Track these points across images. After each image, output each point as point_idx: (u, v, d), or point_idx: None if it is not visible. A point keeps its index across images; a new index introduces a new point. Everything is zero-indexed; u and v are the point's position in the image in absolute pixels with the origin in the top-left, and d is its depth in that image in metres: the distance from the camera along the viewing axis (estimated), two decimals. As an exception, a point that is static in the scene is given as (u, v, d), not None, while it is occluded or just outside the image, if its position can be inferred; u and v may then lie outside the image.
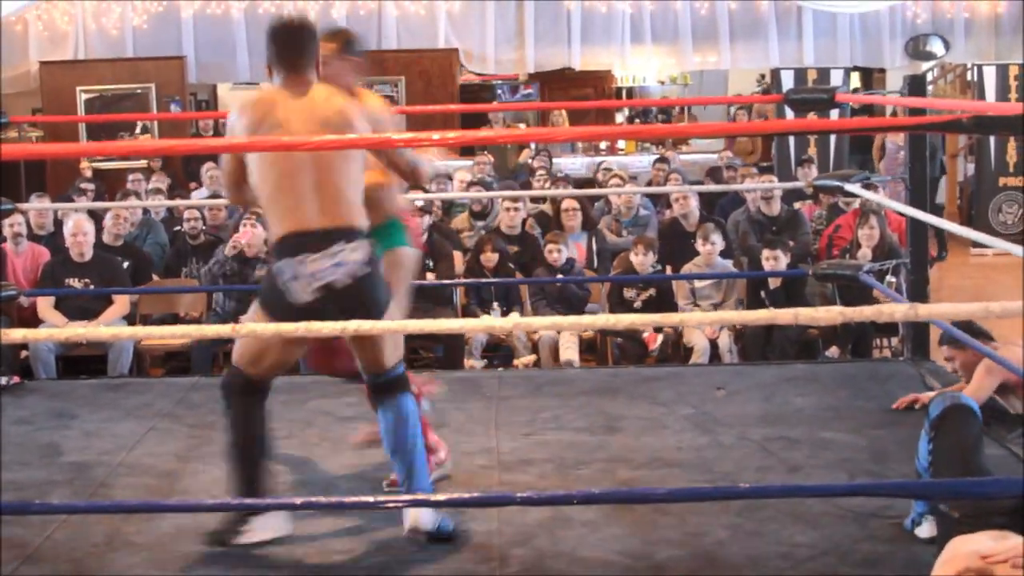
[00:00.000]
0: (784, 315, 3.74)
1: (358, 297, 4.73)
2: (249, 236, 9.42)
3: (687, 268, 10.05)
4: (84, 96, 16.71)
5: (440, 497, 5.11)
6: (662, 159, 14.17)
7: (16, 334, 4.23)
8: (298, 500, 5.19)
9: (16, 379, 7.59)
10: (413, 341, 9.58)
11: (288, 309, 4.66)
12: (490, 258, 9.92)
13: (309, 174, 4.70)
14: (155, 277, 10.39)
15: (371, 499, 5.09)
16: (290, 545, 4.89)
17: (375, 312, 4.74)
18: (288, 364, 5.12)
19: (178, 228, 11.19)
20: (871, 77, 19.57)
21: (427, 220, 9.87)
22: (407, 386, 4.97)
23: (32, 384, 7.79)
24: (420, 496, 4.83)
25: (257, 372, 4.92)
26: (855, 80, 18.97)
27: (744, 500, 5.16)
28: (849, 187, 7.60)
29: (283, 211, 4.74)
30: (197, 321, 9.68)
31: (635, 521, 5.05)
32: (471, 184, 12.22)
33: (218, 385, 5.05)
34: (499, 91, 19.72)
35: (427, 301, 9.41)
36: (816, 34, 17.36)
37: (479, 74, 18.31)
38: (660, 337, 9.58)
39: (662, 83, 19.56)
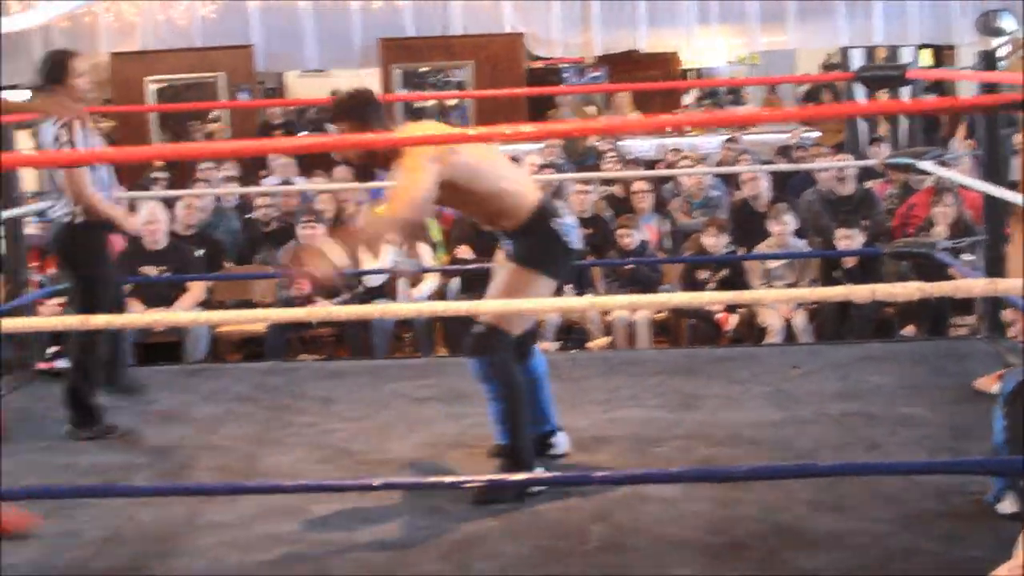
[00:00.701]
0: (861, 291, 3.72)
1: None
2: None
3: (759, 249, 10.00)
4: (153, 86, 16.81)
5: (519, 477, 5.11)
6: (731, 139, 14.08)
7: (98, 320, 4.26)
8: (375, 481, 5.19)
9: None
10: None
11: (568, 257, 5.31)
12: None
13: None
14: (228, 264, 10.45)
15: (450, 479, 5.12)
16: (367, 524, 4.91)
17: None
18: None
19: (250, 216, 11.25)
20: (941, 54, 19.37)
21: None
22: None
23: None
24: (499, 476, 4.88)
25: (514, 329, 5.21)
26: (925, 57, 18.78)
27: (823, 477, 5.14)
28: (922, 164, 7.53)
29: (520, 188, 5.24)
30: (270, 307, 9.73)
31: (713, 497, 5.03)
32: (541, 167, 12.20)
33: (293, 369, 5.07)
34: (566, 75, 19.67)
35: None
36: (885, 11, 17.17)
37: (545, 58, 18.27)
38: (734, 318, 9.54)
39: (729, 64, 19.43)
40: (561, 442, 5.66)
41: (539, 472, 5.27)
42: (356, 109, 5.22)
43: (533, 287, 5.17)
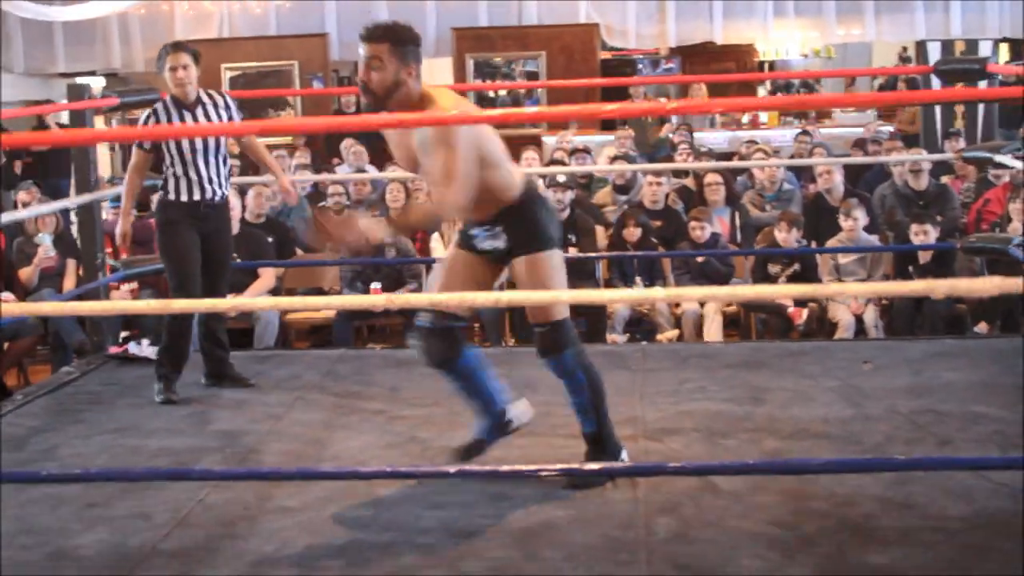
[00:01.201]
0: (939, 286, 3.68)
1: None
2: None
3: (831, 243, 9.93)
4: (229, 74, 16.93)
5: (594, 466, 5.11)
6: (805, 132, 14.00)
7: (176, 305, 4.29)
8: (447, 468, 5.19)
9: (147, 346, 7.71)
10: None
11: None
12: (633, 232, 9.89)
13: None
14: (299, 252, 10.50)
15: (519, 467, 5.11)
16: (435, 510, 4.92)
17: None
18: None
19: (322, 203, 11.30)
20: (1020, 47, 19.16)
21: (569, 195, 9.86)
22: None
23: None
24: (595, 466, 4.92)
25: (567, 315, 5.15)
26: (1004, 51, 18.58)
27: (894, 472, 5.09)
28: (999, 158, 7.45)
29: (511, 169, 5.04)
30: (339, 295, 9.77)
31: (782, 491, 5.00)
32: (614, 159, 12.19)
33: (361, 357, 5.08)
34: (640, 66, 19.64)
35: (569, 275, 9.38)
36: (963, 5, 17.01)
37: (620, 49, 18.25)
38: (805, 312, 9.48)
39: (805, 56, 19.32)
40: (518, 414, 5.45)
41: (624, 458, 5.24)
42: (403, 38, 4.90)
43: (558, 267, 5.09)
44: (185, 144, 6.77)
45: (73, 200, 8.13)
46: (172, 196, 6.85)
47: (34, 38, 17.67)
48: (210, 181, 6.85)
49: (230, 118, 6.99)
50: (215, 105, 6.95)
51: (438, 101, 4.87)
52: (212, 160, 6.85)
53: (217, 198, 6.91)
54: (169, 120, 6.82)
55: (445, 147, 4.71)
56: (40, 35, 17.58)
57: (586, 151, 12.53)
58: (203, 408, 6.64)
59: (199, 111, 6.88)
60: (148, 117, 6.90)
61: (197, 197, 6.84)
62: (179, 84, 6.81)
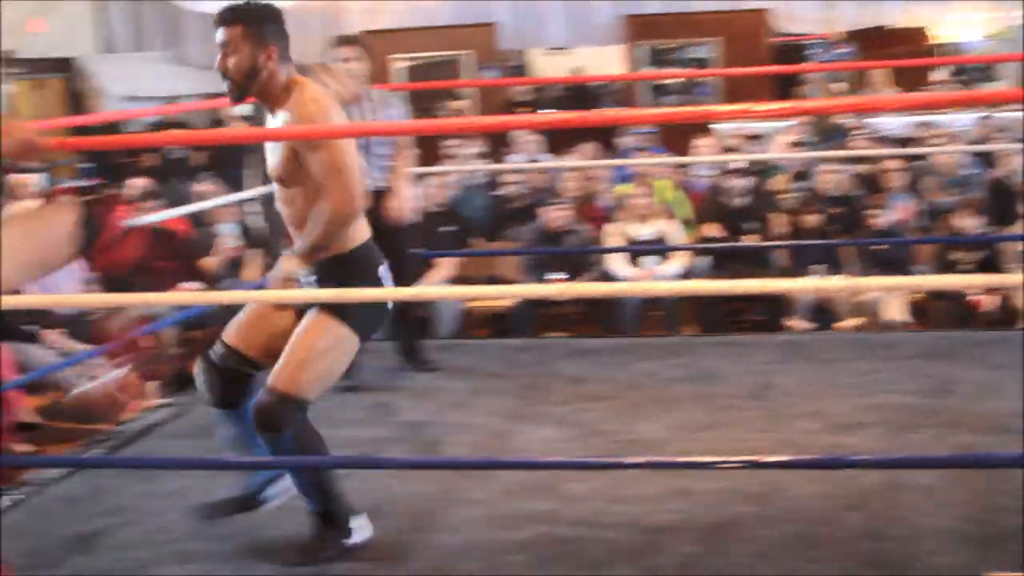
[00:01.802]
0: None
1: None
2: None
3: (1013, 230, 9.71)
4: (400, 64, 17.06)
5: (773, 459, 5.06)
6: (987, 116, 13.68)
7: (352, 294, 4.31)
8: (633, 459, 5.19)
9: None
10: (735, 303, 9.52)
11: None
12: (811, 220, 9.76)
13: None
14: (475, 241, 10.55)
15: (702, 459, 5.09)
16: (620, 504, 4.91)
17: None
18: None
19: (497, 192, 11.34)
20: None
21: (745, 182, 9.77)
22: None
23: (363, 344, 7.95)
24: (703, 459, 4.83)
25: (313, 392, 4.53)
26: None
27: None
28: None
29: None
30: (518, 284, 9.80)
31: (974, 488, 4.90)
32: (792, 145, 12.05)
33: (542, 346, 5.07)
34: (812, 51, 19.37)
35: (746, 263, 9.34)
36: None
37: (791, 34, 18.03)
38: (990, 300, 9.28)
39: (983, 39, 18.88)
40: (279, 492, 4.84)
41: (355, 531, 4.73)
42: (257, 17, 4.49)
43: (339, 348, 4.47)
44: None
45: (256, 191, 8.28)
46: None
47: (211, 31, 17.94)
48: (371, 177, 6.91)
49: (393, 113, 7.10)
50: (373, 100, 7.06)
51: (305, 91, 4.44)
52: (366, 155, 6.88)
53: (379, 189, 6.98)
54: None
55: (330, 153, 4.29)
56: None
57: (761, 137, 12.41)
58: (387, 398, 6.71)
59: (361, 107, 6.97)
60: None
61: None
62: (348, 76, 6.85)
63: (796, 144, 12.10)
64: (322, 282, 4.47)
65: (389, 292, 4.74)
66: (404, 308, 7.32)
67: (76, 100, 17.54)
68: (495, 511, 4.96)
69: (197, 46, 18.14)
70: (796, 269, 9.74)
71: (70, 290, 8.75)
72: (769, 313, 9.34)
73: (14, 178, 12.83)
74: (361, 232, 4.51)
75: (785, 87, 16.50)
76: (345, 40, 7.06)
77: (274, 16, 4.51)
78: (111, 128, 13.17)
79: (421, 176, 10.47)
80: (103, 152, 15.91)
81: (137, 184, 11.22)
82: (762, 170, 11.93)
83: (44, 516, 5.02)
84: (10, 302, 4.15)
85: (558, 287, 3.85)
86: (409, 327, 7.38)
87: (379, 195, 7.01)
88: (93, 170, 15.72)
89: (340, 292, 4.12)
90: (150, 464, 4.13)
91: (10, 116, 3.59)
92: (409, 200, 7.22)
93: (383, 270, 4.58)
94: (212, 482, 5.09)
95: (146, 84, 17.22)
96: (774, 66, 16.03)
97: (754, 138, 12.32)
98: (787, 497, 4.91)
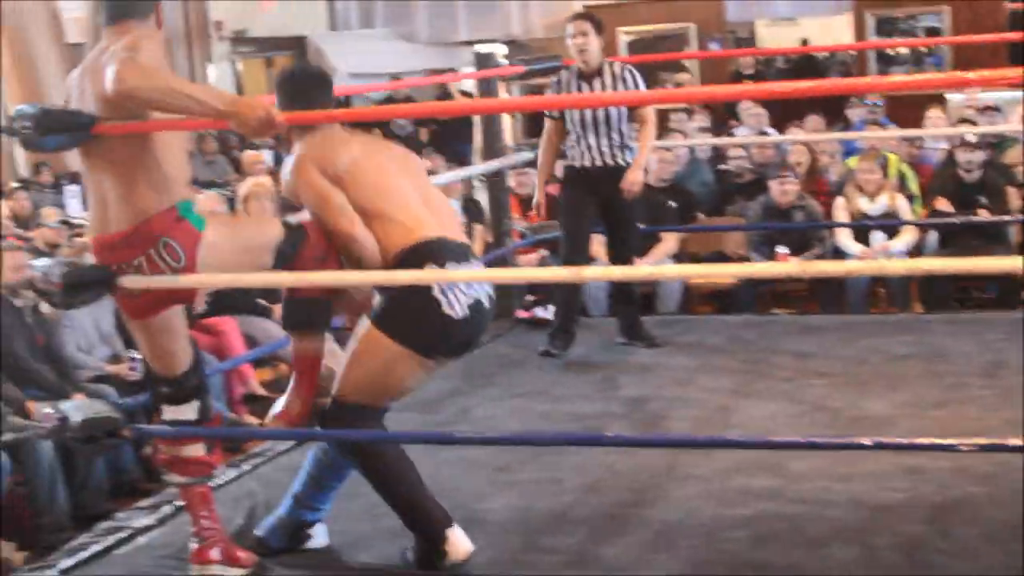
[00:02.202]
0: None
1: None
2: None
3: None
4: (625, 38, 17.02)
5: (1012, 442, 4.90)
6: None
7: (586, 273, 4.33)
8: (864, 440, 5.08)
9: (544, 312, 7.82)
10: (964, 281, 9.28)
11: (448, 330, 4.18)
12: (1050, 193, 9.44)
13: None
14: (701, 216, 10.46)
15: (936, 441, 4.97)
16: (843, 482, 4.83)
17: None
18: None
19: (723, 167, 11.24)
20: None
21: (979, 155, 9.49)
22: None
23: (586, 321, 7.98)
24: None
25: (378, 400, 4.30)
26: None
27: None
28: None
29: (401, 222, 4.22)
30: (743, 259, 9.70)
31: None
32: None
33: (766, 323, 4.98)
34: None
35: (980, 238, 9.09)
36: None
37: (1029, 1, 17.50)
38: None
39: None
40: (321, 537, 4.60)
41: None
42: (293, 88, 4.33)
43: (388, 358, 4.17)
44: (582, 114, 6.94)
45: (481, 167, 8.36)
46: (570, 162, 7.14)
47: (438, 8, 18.20)
48: (601, 152, 6.99)
49: (629, 88, 7.08)
50: (614, 76, 7.04)
51: None
52: (604, 131, 6.96)
53: (611, 165, 7.01)
54: (569, 90, 7.05)
55: (296, 171, 4.19)
56: (443, 5, 18.09)
57: (996, 109, 12.05)
58: (610, 373, 6.71)
59: (596, 82, 7.01)
60: (553, 86, 7.11)
61: (588, 164, 7.04)
62: (579, 51, 6.97)
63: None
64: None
65: (624, 272, 4.73)
66: (623, 285, 7.31)
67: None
68: (716, 487, 4.92)
69: (423, 22, 18.38)
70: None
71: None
72: (1000, 290, 9.07)
73: (247, 155, 13.18)
74: (404, 237, 4.17)
75: (1021, 58, 16.00)
76: (578, 16, 7.14)
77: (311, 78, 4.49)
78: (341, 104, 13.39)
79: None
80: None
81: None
82: (997, 143, 11.59)
83: (273, 485, 5.13)
84: (248, 280, 4.27)
85: (788, 266, 3.67)
86: (630, 303, 7.36)
87: (615, 171, 7.02)
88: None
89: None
90: (375, 437, 4.17)
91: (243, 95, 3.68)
92: (645, 174, 7.25)
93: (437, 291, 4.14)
94: (438, 454, 5.15)
95: (373, 61, 17.51)
96: (1010, 33, 15.56)
97: (989, 109, 11.97)
98: (1018, 478, 4.76)
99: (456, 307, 4.10)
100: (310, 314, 4.19)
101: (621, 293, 7.40)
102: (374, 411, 4.24)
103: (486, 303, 4.25)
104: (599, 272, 6.38)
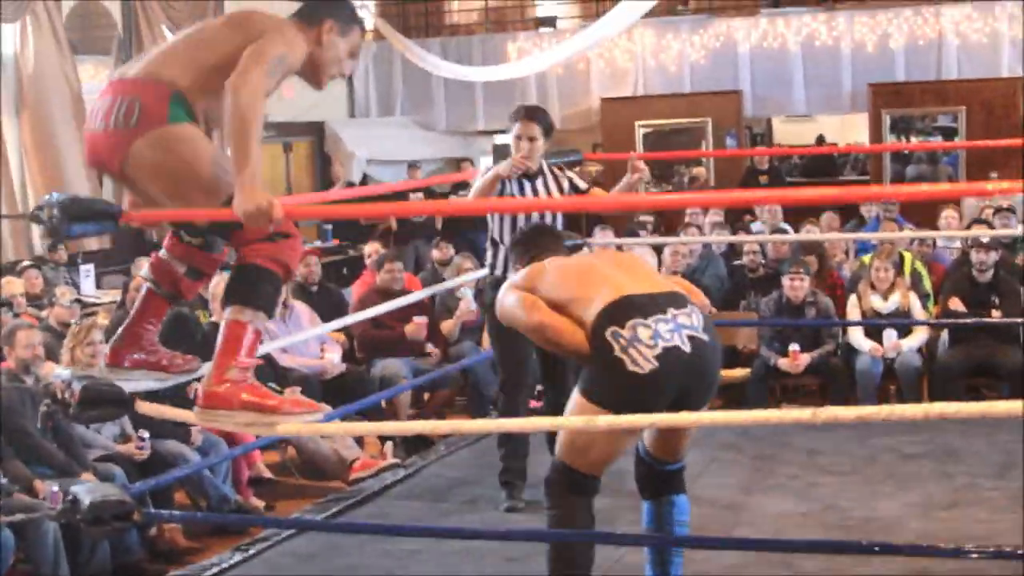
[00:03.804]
0: None
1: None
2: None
3: None
4: (642, 131, 17.11)
5: (982, 548, 4.88)
6: None
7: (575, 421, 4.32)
8: (866, 541, 5.07)
9: None
10: (975, 379, 9.27)
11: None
12: (1060, 296, 9.42)
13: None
14: (713, 309, 10.44)
15: (946, 545, 4.94)
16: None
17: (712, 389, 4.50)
18: (619, 454, 4.60)
19: (738, 261, 11.26)
20: None
21: (993, 256, 9.50)
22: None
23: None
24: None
25: (584, 465, 4.48)
26: None
27: None
28: None
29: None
30: (754, 354, 9.69)
31: None
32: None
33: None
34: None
35: (992, 339, 9.09)
36: None
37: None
38: None
39: None
40: None
41: None
42: None
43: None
44: (524, 218, 6.17)
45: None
46: (495, 273, 6.40)
47: (457, 97, 18.33)
48: None
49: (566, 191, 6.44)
50: (555, 177, 6.44)
51: None
52: None
53: None
54: (509, 188, 6.31)
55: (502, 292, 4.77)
56: (462, 95, 18.22)
57: (1011, 210, 12.06)
58: (619, 468, 6.65)
59: (539, 182, 6.37)
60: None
61: None
62: (528, 155, 6.25)
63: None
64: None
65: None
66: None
67: (323, 163, 18.02)
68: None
69: (441, 111, 18.51)
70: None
71: (310, 351, 8.99)
72: (1011, 389, 9.04)
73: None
74: (596, 309, 4.36)
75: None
76: (528, 118, 6.32)
77: None
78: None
79: (662, 245, 10.49)
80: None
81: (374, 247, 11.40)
82: (1010, 243, 11.61)
83: (277, 569, 5.12)
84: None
85: (803, 412, 3.59)
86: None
87: None
88: (334, 232, 16.10)
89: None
90: (378, 530, 4.17)
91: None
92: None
93: (622, 334, 4.28)
94: (445, 545, 5.13)
95: (391, 147, 17.61)
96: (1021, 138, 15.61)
97: (1004, 211, 11.98)
98: (1028, 583, 4.73)
99: (640, 362, 4.21)
100: (257, 287, 3.91)
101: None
102: (584, 477, 4.45)
103: (684, 346, 4.29)
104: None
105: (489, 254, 6.42)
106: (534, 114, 6.33)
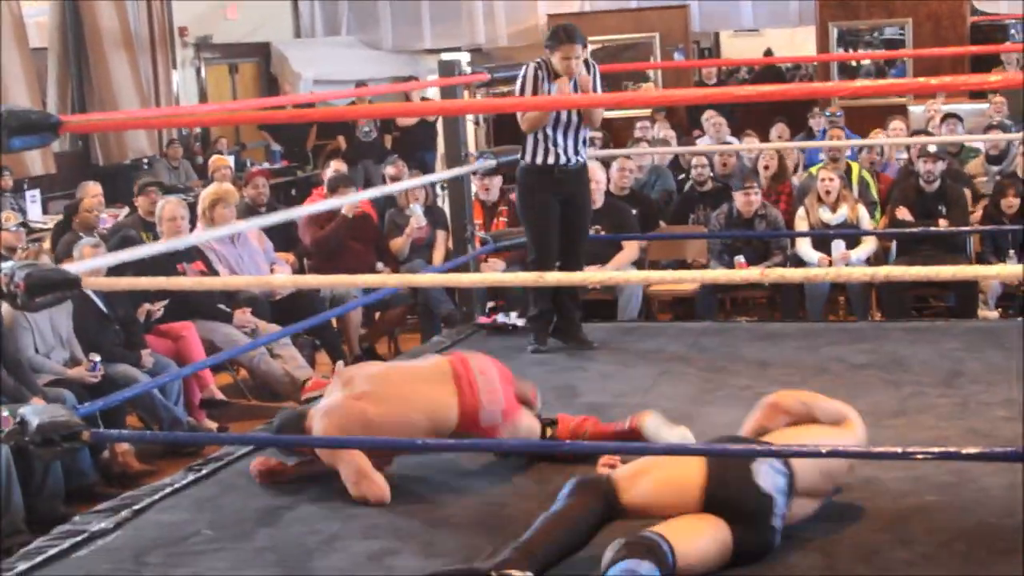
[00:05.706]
0: None
1: None
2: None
3: None
4: (590, 47, 17.02)
5: (967, 451, 4.91)
6: None
7: (548, 278, 4.33)
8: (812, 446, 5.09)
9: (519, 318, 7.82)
10: (923, 289, 9.35)
11: None
12: (1011, 204, 9.48)
13: None
14: (662, 224, 10.49)
15: (893, 449, 4.97)
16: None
17: None
18: None
19: (684, 176, 11.28)
20: None
21: (940, 166, 9.54)
22: None
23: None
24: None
25: None
26: None
27: None
28: None
29: None
30: (703, 267, 9.73)
31: None
32: (988, 128, 11.75)
33: (726, 330, 4.96)
34: (1012, 31, 18.88)
35: (939, 248, 9.16)
36: None
37: (990, 14, 17.59)
38: None
39: None
40: None
41: None
42: None
43: None
44: (556, 113, 7.02)
45: (444, 173, 8.36)
46: (531, 162, 7.15)
47: (403, 16, 18.21)
48: (566, 150, 7.08)
49: (597, 88, 7.30)
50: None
51: None
52: (572, 130, 7.09)
53: (571, 164, 7.13)
54: (543, 88, 7.06)
55: None
56: (408, 14, 18.10)
57: (957, 118, 12.11)
58: (570, 380, 6.71)
59: (569, 82, 7.07)
60: (525, 75, 7.14)
61: (553, 162, 7.09)
62: (567, 71, 7.05)
63: (994, 127, 11.79)
64: None
65: (585, 277, 4.71)
66: (569, 289, 7.34)
67: (269, 84, 17.90)
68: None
69: (388, 30, 18.39)
70: (989, 255, 9.48)
71: (260, 271, 8.95)
72: (960, 300, 9.12)
73: (213, 160, 13.15)
74: None
75: (983, 70, 16.09)
76: (568, 39, 7.10)
77: None
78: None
79: (610, 159, 10.48)
80: (294, 135, 16.24)
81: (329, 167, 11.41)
82: (957, 153, 11.66)
83: (231, 489, 5.12)
84: (208, 284, 4.24)
85: (738, 273, 3.66)
86: (568, 302, 7.38)
87: (578, 169, 7.20)
88: (283, 153, 16.04)
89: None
90: (331, 444, 4.18)
91: None
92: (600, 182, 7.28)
93: None
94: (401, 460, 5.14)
95: (337, 68, 17.51)
96: (969, 46, 15.65)
97: (951, 117, 12.02)
98: (976, 488, 4.78)
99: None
100: None
101: (566, 294, 7.38)
102: None
103: None
104: (561, 277, 6.38)
105: (529, 142, 7.11)
106: (573, 35, 7.08)
